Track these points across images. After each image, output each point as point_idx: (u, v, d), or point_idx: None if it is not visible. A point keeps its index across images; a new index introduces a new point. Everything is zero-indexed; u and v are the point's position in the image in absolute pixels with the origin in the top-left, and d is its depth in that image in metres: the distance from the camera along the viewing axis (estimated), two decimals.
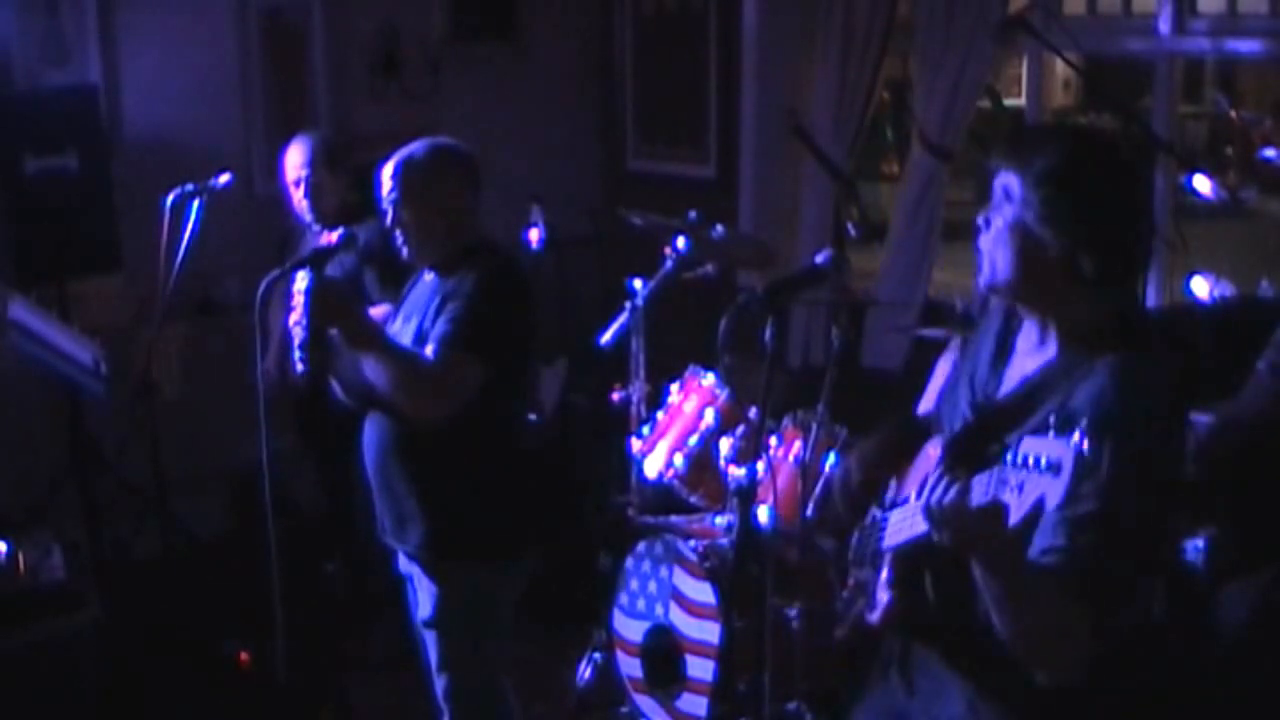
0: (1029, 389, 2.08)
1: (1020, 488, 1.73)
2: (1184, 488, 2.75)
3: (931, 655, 2.18)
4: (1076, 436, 1.68)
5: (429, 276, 3.21)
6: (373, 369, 2.96)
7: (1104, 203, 2.03)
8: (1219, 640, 3.14)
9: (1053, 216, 2.01)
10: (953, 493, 1.85)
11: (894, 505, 2.18)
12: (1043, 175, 2.01)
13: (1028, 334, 2.15)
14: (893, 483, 2.27)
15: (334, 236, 3.14)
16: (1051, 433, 1.72)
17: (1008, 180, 2.06)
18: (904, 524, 2.09)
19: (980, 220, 2.11)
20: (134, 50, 4.98)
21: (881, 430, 2.43)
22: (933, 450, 2.15)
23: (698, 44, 5.61)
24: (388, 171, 3.12)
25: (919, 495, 2.07)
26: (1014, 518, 1.74)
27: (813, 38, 5.21)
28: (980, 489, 1.82)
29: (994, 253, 2.07)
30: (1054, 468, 1.69)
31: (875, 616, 2.13)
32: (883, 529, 2.18)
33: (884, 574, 2.13)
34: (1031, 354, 2.13)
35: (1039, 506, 1.71)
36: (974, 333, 2.32)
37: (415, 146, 3.17)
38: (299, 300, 2.91)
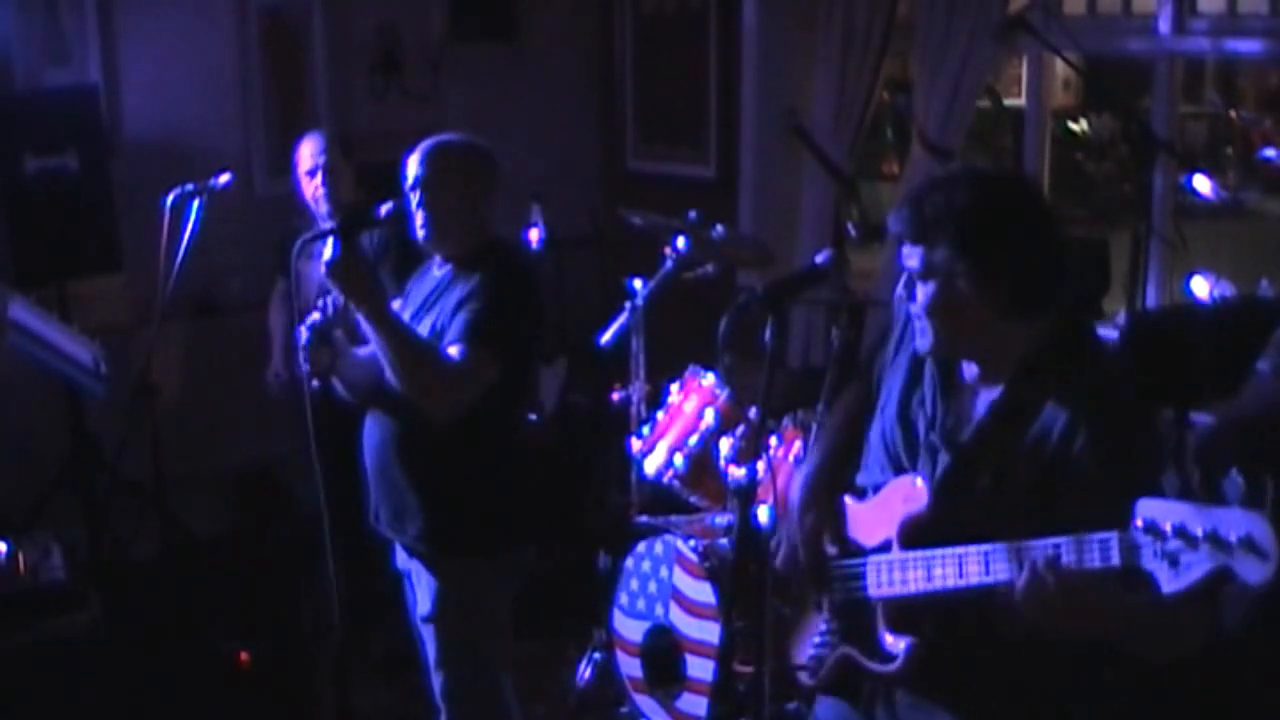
0: (994, 421, 2.09)
1: (1166, 555, 1.70)
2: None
3: (922, 688, 2.16)
4: (1240, 506, 1.65)
5: (439, 271, 3.19)
6: (388, 355, 2.91)
7: (1024, 238, 2.05)
8: (1219, 640, 3.14)
9: (984, 273, 2.03)
10: (1049, 574, 1.83)
11: (872, 550, 2.16)
12: (962, 238, 2.02)
13: (970, 367, 2.16)
14: (846, 508, 2.26)
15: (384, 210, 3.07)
16: (1182, 498, 1.72)
17: (922, 252, 2.06)
18: (894, 576, 2.09)
19: (901, 290, 2.11)
20: (134, 50, 4.97)
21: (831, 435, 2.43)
22: (906, 490, 2.12)
23: (698, 44, 5.61)
24: (415, 157, 3.11)
25: (902, 544, 2.07)
26: (1171, 587, 1.71)
27: (813, 38, 5.21)
28: (1088, 553, 1.81)
29: (932, 322, 2.08)
30: (1249, 546, 1.63)
31: (897, 666, 2.10)
32: (863, 576, 2.16)
33: (882, 625, 2.12)
34: (983, 387, 2.14)
35: (1220, 581, 1.67)
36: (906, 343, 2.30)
37: (446, 137, 3.17)
38: (322, 269, 2.85)
